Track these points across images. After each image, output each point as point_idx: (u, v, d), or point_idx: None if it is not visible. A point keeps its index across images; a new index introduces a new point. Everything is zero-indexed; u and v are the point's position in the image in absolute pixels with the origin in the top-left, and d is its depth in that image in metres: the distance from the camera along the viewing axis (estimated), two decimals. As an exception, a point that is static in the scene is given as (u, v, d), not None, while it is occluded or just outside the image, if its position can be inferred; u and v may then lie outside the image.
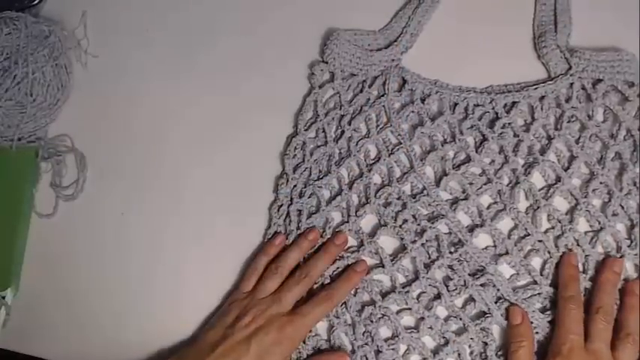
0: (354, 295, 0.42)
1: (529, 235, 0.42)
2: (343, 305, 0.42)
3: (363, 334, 0.41)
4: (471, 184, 0.43)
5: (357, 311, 0.42)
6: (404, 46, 0.48)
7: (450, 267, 0.42)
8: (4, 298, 0.44)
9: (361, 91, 0.47)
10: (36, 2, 0.51)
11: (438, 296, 0.41)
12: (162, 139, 0.49)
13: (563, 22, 0.47)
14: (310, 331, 0.42)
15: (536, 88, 0.45)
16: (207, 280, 0.44)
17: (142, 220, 0.46)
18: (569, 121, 0.44)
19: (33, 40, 0.46)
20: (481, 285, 0.41)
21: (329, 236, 0.44)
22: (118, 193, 0.48)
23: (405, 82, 0.47)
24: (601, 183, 0.42)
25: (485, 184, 0.43)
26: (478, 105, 0.45)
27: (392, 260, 0.42)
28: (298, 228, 0.44)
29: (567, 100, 0.45)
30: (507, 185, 0.43)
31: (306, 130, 0.47)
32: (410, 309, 0.41)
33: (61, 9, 0.52)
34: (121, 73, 0.50)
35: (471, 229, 0.42)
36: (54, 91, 0.46)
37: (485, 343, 0.40)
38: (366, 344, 0.41)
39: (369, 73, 0.48)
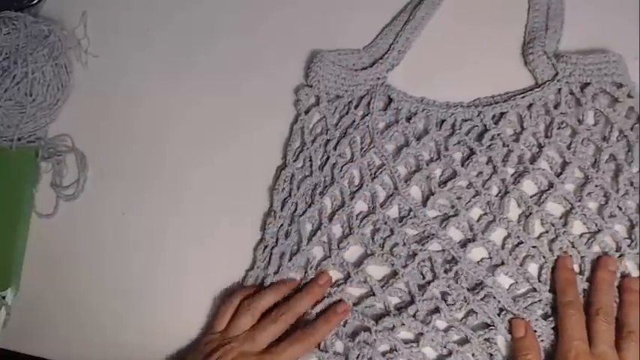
0: (344, 326, 0.41)
1: (522, 242, 0.41)
2: (334, 335, 0.41)
3: (357, 358, 0.40)
4: (459, 198, 0.43)
5: (350, 337, 0.41)
6: (390, 63, 0.47)
7: (448, 286, 0.41)
8: (4, 298, 0.45)
9: (347, 113, 0.47)
10: (35, 2, 0.51)
11: (437, 310, 0.41)
12: (163, 139, 0.49)
13: (554, 27, 0.46)
14: None
15: (523, 97, 0.45)
16: (207, 280, 0.44)
17: (143, 220, 0.47)
18: (559, 128, 0.44)
19: (32, 39, 0.46)
20: (481, 299, 0.40)
21: (312, 276, 0.43)
22: (118, 193, 0.48)
23: (390, 100, 0.46)
24: (596, 186, 0.42)
25: (473, 197, 0.43)
26: (466, 120, 0.45)
27: (382, 287, 0.42)
28: (277, 272, 0.43)
29: (556, 107, 0.44)
30: (496, 196, 0.43)
31: (294, 160, 0.46)
32: (406, 325, 0.41)
33: (61, 9, 0.52)
34: (121, 73, 0.50)
35: (464, 245, 0.42)
36: (54, 91, 0.46)
37: (491, 355, 0.40)
38: None
39: (355, 94, 0.47)
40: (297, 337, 0.40)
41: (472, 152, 0.44)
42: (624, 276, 0.40)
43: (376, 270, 0.43)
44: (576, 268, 0.41)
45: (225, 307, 0.42)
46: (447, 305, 0.40)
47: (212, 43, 0.50)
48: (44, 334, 0.44)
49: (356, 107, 0.47)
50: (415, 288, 0.41)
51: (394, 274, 0.42)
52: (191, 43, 0.51)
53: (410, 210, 0.43)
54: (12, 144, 0.46)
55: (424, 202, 0.44)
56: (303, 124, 0.46)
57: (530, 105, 0.45)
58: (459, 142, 0.44)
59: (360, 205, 0.44)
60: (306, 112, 0.47)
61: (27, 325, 0.45)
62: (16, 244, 0.46)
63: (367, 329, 0.41)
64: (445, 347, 0.40)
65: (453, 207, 0.43)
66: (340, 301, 0.42)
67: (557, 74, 0.45)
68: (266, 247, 0.44)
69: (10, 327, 0.45)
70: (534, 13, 0.47)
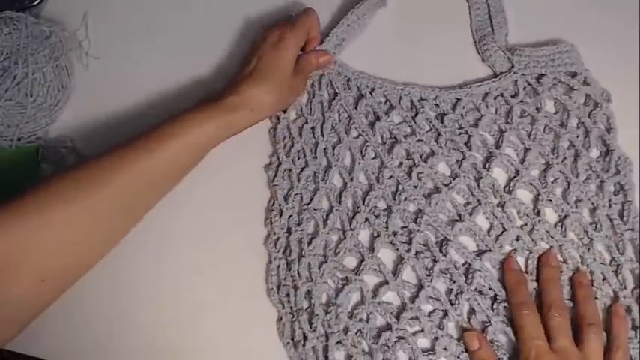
0: (368, 322, 0.40)
1: (506, 230, 0.41)
2: (359, 333, 0.40)
3: None
4: (443, 183, 0.43)
5: (374, 337, 0.40)
6: (337, 39, 0.48)
7: (447, 270, 0.41)
8: None
9: (314, 96, 0.47)
10: (37, 2, 0.50)
11: (446, 313, 0.40)
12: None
13: (498, 23, 0.48)
14: None
15: (479, 86, 0.46)
16: (207, 280, 0.43)
17: (142, 220, 0.44)
18: (520, 116, 0.45)
19: (34, 40, 0.45)
20: (476, 290, 0.40)
21: (333, 261, 0.42)
22: None
23: (348, 80, 0.47)
24: (560, 172, 0.43)
25: (453, 179, 0.43)
26: (423, 99, 0.46)
27: (394, 275, 0.41)
28: (301, 255, 0.42)
29: (514, 96, 0.45)
30: (474, 180, 0.43)
31: (287, 156, 0.45)
32: (423, 330, 0.40)
33: (62, 10, 0.52)
34: (122, 75, 0.50)
35: (451, 225, 0.42)
36: (54, 91, 0.46)
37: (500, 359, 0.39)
38: None
39: (313, 75, 0.47)
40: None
41: (439, 134, 0.44)
42: (602, 263, 0.40)
43: (385, 254, 0.42)
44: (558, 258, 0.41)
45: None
46: (452, 305, 0.40)
47: (213, 44, 0.50)
48: (44, 335, 0.42)
49: (319, 88, 0.47)
50: (423, 273, 0.41)
51: (400, 259, 0.41)
52: (192, 45, 0.50)
53: (399, 183, 0.44)
54: (12, 144, 0.45)
55: (409, 175, 0.44)
56: (287, 122, 0.46)
57: (486, 94, 0.46)
58: (427, 121, 0.45)
59: (361, 182, 0.44)
60: (284, 111, 0.46)
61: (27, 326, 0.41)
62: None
63: (389, 327, 0.40)
64: (458, 357, 0.39)
65: (435, 187, 0.43)
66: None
67: (512, 67, 0.46)
68: (278, 238, 0.43)
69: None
70: (475, 12, 0.49)
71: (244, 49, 0.49)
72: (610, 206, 0.42)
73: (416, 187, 0.43)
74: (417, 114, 0.45)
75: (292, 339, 0.41)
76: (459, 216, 0.42)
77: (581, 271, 0.40)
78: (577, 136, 0.44)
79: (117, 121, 0.48)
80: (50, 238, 0.36)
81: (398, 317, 0.40)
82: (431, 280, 0.40)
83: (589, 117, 0.44)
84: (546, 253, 0.40)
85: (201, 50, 0.50)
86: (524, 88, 0.46)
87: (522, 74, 0.46)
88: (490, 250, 0.41)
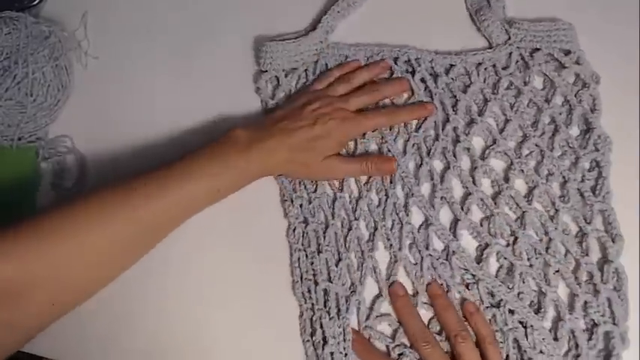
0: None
1: (471, 194, 0.43)
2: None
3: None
4: (429, 150, 0.44)
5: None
6: (329, 25, 0.48)
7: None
8: None
9: (307, 80, 0.48)
10: (36, 2, 0.50)
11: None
12: (163, 139, 0.48)
13: None
14: None
15: (474, 55, 0.47)
16: (209, 278, 0.44)
17: None
18: (507, 88, 0.46)
19: (33, 40, 0.45)
20: (445, 261, 0.41)
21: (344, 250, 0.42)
22: None
23: (346, 57, 0.48)
24: (536, 145, 0.44)
25: (433, 143, 0.45)
26: (418, 59, 0.47)
27: (387, 279, 0.42)
28: (319, 251, 0.42)
29: (505, 68, 0.46)
30: (451, 144, 0.44)
31: None
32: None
33: (62, 10, 0.52)
34: (122, 75, 0.50)
35: (433, 203, 0.43)
36: (54, 91, 0.46)
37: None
38: None
39: (307, 61, 0.48)
40: (384, 111, 0.45)
41: (432, 95, 0.46)
42: (565, 232, 0.41)
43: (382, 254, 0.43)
44: (517, 225, 0.42)
45: (325, 76, 0.46)
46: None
47: (213, 43, 0.50)
48: (45, 334, 0.41)
49: (313, 73, 0.48)
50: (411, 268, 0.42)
51: (394, 259, 0.42)
52: (191, 44, 0.51)
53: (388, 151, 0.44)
54: (12, 144, 0.45)
55: (404, 152, 0.45)
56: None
57: (479, 64, 0.46)
58: (421, 81, 0.46)
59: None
60: (272, 98, 0.47)
61: None
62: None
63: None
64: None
65: (420, 156, 0.44)
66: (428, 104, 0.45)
67: (509, 39, 0.47)
68: (295, 228, 0.43)
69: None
70: None
71: (244, 48, 0.50)
72: (583, 181, 0.43)
73: (404, 154, 0.44)
74: (413, 73, 0.46)
75: (312, 337, 0.40)
76: (433, 183, 0.44)
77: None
78: (560, 113, 0.45)
79: (116, 121, 0.49)
80: (64, 264, 0.36)
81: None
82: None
83: (575, 96, 0.45)
84: (432, 287, 0.40)
85: (200, 50, 0.50)
86: (517, 61, 0.46)
87: (518, 47, 0.47)
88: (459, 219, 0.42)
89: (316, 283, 0.42)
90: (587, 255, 0.41)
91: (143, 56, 0.51)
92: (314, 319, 0.41)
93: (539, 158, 0.44)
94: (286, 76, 0.48)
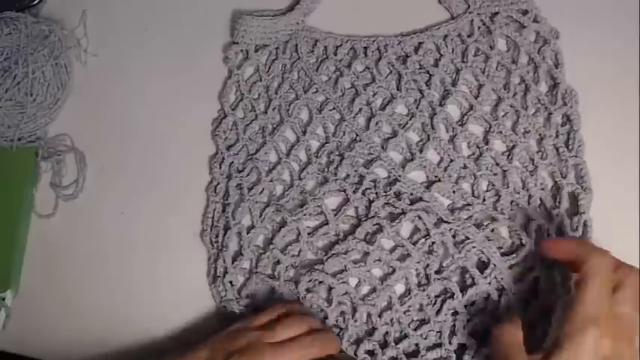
0: (298, 255, 0.43)
1: (453, 160, 0.44)
2: (289, 266, 0.42)
3: (309, 282, 0.41)
4: (400, 124, 0.46)
5: (303, 267, 0.42)
6: (307, 7, 0.50)
7: (389, 204, 0.43)
8: (3, 299, 0.43)
9: (276, 58, 0.49)
10: (36, 2, 0.50)
11: (381, 230, 0.42)
12: (162, 138, 0.49)
13: None
14: None
15: (438, 28, 0.48)
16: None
17: (143, 220, 0.46)
18: (475, 55, 0.47)
19: (33, 40, 0.45)
20: (419, 210, 0.42)
21: (278, 204, 0.43)
22: (118, 193, 0.47)
23: (316, 41, 0.49)
24: (511, 106, 0.45)
25: (410, 119, 0.46)
26: (387, 45, 0.48)
27: (335, 215, 0.43)
28: (241, 201, 0.44)
29: (469, 36, 0.48)
30: (428, 117, 0.46)
31: (233, 110, 0.48)
32: (353, 248, 0.42)
33: (61, 9, 0.52)
34: (121, 73, 0.50)
35: (403, 165, 0.45)
36: (54, 90, 0.46)
37: (427, 265, 0.41)
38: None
39: (279, 40, 0.49)
40: (315, 341, 0.39)
41: (400, 76, 0.47)
42: (542, 188, 0.42)
43: (332, 201, 0.44)
44: (500, 183, 0.43)
45: (272, 310, 0.41)
46: (390, 224, 0.42)
47: (212, 43, 0.51)
48: (44, 336, 0.43)
49: (283, 52, 0.49)
50: (363, 211, 0.43)
51: (346, 201, 0.44)
52: (191, 43, 0.51)
53: (356, 135, 0.46)
54: (12, 144, 0.45)
55: (367, 127, 0.46)
56: (238, 78, 0.48)
57: (446, 36, 0.48)
58: (388, 65, 0.47)
59: (314, 138, 0.46)
60: (238, 68, 0.49)
61: (27, 326, 0.43)
62: (15, 244, 0.44)
63: (320, 261, 0.42)
64: (390, 266, 0.42)
65: (392, 130, 0.46)
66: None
67: (469, 7, 0.49)
68: (218, 184, 0.45)
69: (10, 328, 0.43)
70: None
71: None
72: (557, 136, 0.44)
73: (372, 134, 0.46)
74: (380, 59, 0.48)
75: (215, 275, 0.43)
76: (412, 154, 0.45)
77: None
78: (527, 72, 0.46)
79: (115, 119, 0.49)
80: None
81: (328, 251, 0.42)
82: (367, 215, 0.43)
83: (538, 53, 0.47)
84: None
85: (198, 48, 0.51)
86: (479, 28, 0.48)
87: (478, 14, 0.48)
88: (439, 181, 0.44)
89: (227, 229, 0.44)
90: (558, 207, 0.42)
91: (142, 54, 0.51)
92: (217, 258, 0.43)
93: (515, 118, 0.45)
94: (256, 51, 0.50)
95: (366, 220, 0.43)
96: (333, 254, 0.42)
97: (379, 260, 0.42)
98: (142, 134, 0.49)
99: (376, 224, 0.42)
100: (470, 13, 0.49)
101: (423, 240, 0.42)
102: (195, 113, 0.49)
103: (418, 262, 0.42)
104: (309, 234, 0.43)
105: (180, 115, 0.49)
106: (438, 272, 0.41)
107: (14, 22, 0.46)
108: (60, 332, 0.43)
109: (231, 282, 0.43)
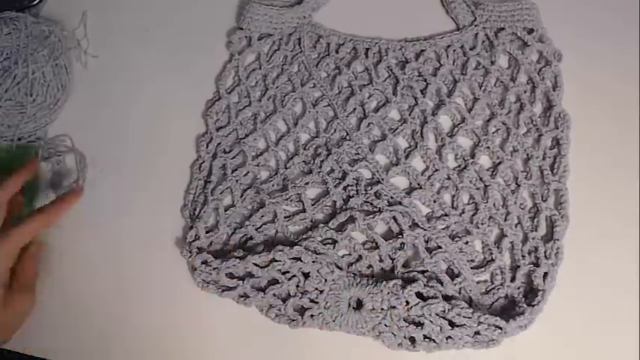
0: (275, 236, 0.43)
1: (437, 170, 0.45)
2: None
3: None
4: (390, 129, 0.46)
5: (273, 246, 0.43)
6: (316, 2, 0.50)
7: (368, 202, 0.44)
8: None
9: (278, 49, 0.50)
10: (36, 2, 0.50)
11: (353, 220, 0.42)
12: (162, 138, 0.49)
13: None
14: None
15: (442, 38, 0.48)
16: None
17: (142, 220, 0.46)
18: (475, 68, 0.47)
19: (33, 40, 0.45)
20: (396, 212, 0.43)
21: (259, 187, 0.44)
22: (118, 193, 0.47)
23: (319, 37, 0.50)
24: (503, 123, 0.45)
25: (401, 124, 0.46)
26: (389, 49, 0.49)
27: (313, 204, 0.44)
28: (220, 182, 0.45)
29: (472, 49, 0.48)
30: (419, 125, 0.46)
31: (228, 93, 0.48)
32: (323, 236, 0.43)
33: (61, 9, 0.52)
34: (121, 74, 0.51)
35: (387, 169, 0.45)
36: (54, 91, 0.46)
37: (393, 259, 0.42)
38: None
39: (284, 31, 0.50)
40: (34, 216, 0.41)
41: (397, 81, 0.47)
42: (522, 207, 0.43)
43: (312, 191, 0.45)
44: (480, 197, 0.43)
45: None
46: (363, 217, 0.42)
47: (212, 42, 0.51)
48: (44, 335, 0.43)
49: (286, 44, 0.50)
50: (340, 205, 0.44)
51: (325, 193, 0.45)
52: (191, 43, 0.51)
53: (347, 134, 0.46)
54: (12, 144, 0.46)
55: (358, 127, 0.47)
56: (238, 63, 0.49)
57: (448, 46, 0.48)
58: (387, 69, 0.48)
59: (304, 133, 0.47)
60: (240, 53, 0.50)
61: (27, 325, 0.43)
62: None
63: (293, 243, 0.42)
64: (356, 251, 0.42)
65: (382, 133, 0.46)
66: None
67: (475, 20, 0.49)
68: (203, 162, 0.46)
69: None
70: None
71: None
72: (544, 158, 0.44)
73: (362, 135, 0.46)
74: (379, 62, 0.48)
75: (187, 240, 0.43)
76: (397, 159, 0.45)
77: None
78: (524, 91, 0.46)
79: (115, 119, 0.49)
80: None
81: (298, 236, 0.43)
82: (345, 207, 0.43)
83: (538, 73, 0.46)
84: None
85: (199, 49, 0.51)
86: (483, 42, 0.48)
87: (483, 27, 0.48)
88: (421, 188, 0.44)
89: (205, 204, 0.45)
90: (535, 230, 0.43)
91: (142, 55, 0.51)
92: (191, 226, 0.44)
93: (505, 135, 0.46)
94: (260, 39, 0.50)
95: (340, 212, 0.44)
96: (303, 239, 0.43)
97: (345, 248, 0.43)
98: (141, 135, 0.49)
99: (350, 216, 0.43)
100: (475, 26, 0.49)
101: (395, 238, 0.42)
102: (195, 113, 0.50)
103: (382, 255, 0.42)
104: (285, 217, 0.44)
105: (180, 115, 0.50)
106: (405, 266, 0.42)
107: (14, 22, 0.45)
108: (60, 331, 0.43)
109: (199, 248, 0.43)
